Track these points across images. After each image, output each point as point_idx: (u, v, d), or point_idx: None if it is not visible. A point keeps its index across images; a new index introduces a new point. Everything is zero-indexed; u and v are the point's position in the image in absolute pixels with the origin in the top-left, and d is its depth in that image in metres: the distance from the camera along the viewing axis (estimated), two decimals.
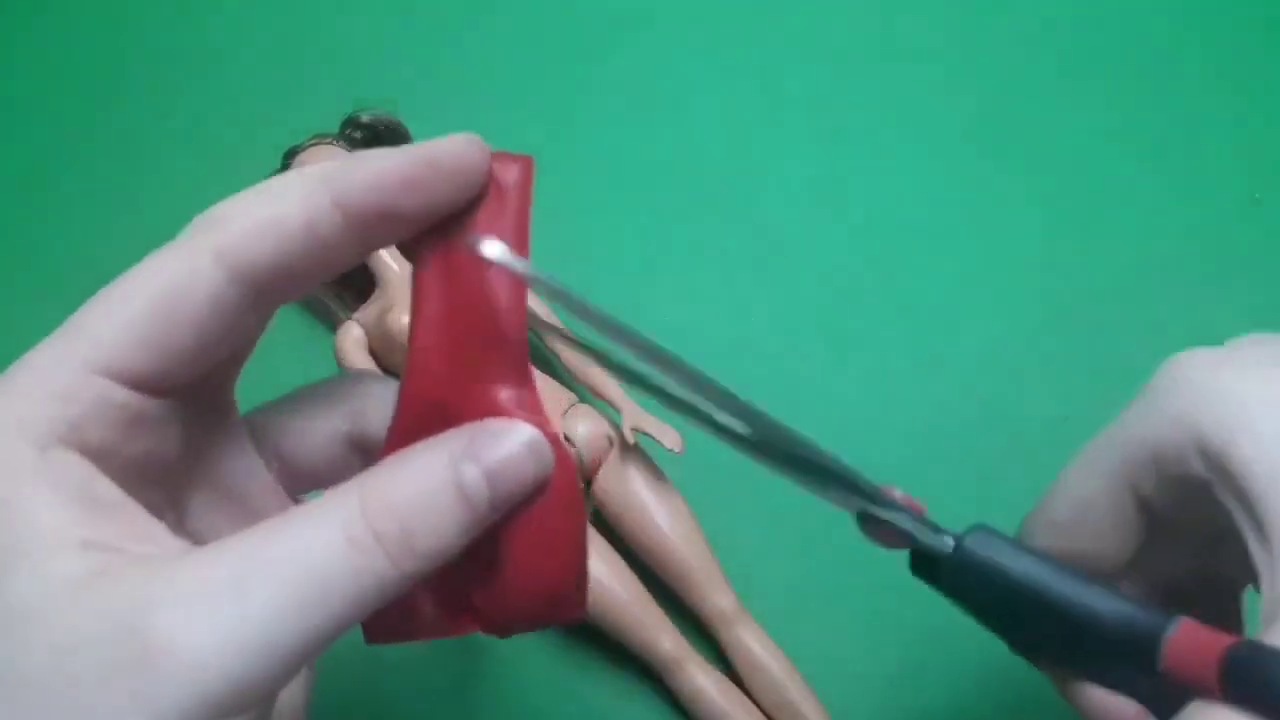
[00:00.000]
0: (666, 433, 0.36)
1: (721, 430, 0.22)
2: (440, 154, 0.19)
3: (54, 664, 0.15)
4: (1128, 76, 0.49)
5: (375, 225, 0.18)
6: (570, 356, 0.39)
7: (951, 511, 0.39)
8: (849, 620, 0.38)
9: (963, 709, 0.36)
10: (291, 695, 0.21)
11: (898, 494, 0.23)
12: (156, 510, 0.18)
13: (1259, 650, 0.18)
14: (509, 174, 0.20)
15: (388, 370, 0.38)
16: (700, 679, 0.35)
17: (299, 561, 0.16)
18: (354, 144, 0.42)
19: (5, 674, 0.15)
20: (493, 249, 0.17)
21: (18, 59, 0.50)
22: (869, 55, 0.50)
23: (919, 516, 0.23)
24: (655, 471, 0.37)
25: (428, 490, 0.17)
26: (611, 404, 0.37)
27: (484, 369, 0.20)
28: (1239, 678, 0.18)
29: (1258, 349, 0.20)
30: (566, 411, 0.37)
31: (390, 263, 0.40)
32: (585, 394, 0.39)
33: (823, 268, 0.45)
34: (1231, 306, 0.43)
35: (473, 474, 0.17)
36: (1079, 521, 0.22)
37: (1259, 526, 0.19)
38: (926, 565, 0.24)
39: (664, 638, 0.35)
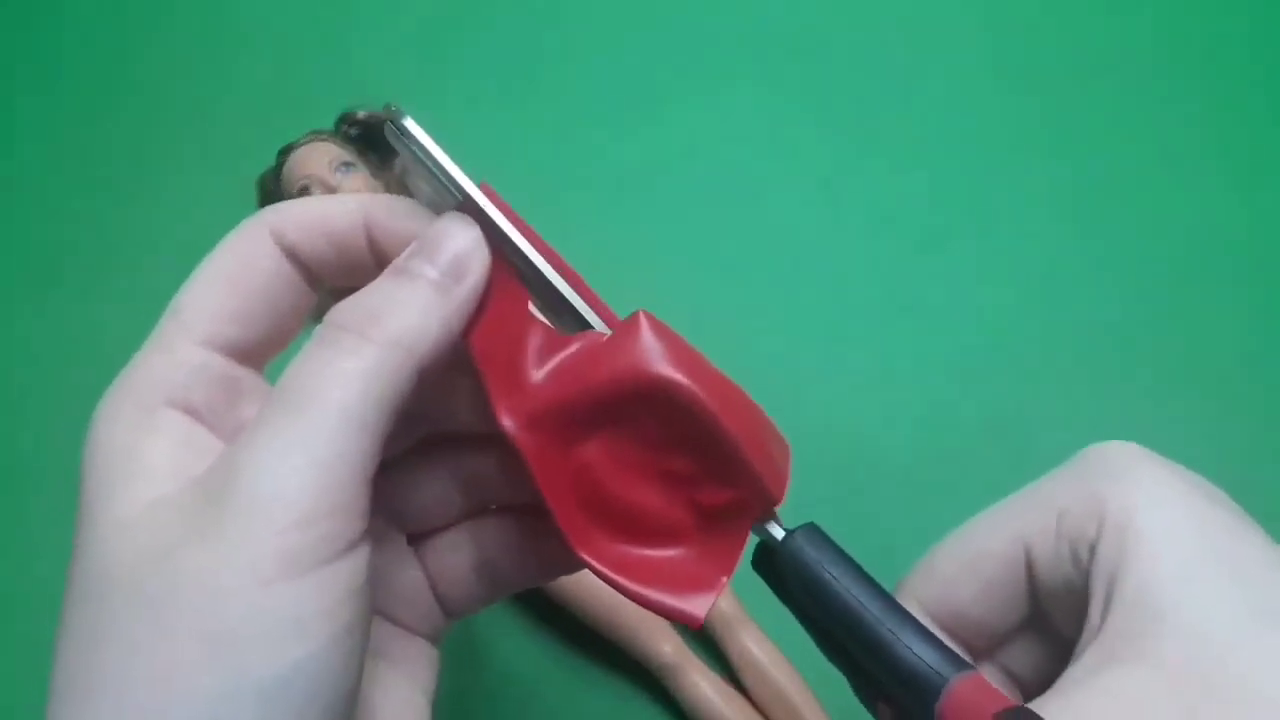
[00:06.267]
0: None
1: None
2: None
3: (159, 550, 0.17)
4: (1131, 76, 0.49)
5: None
6: None
7: (949, 513, 0.39)
8: None
9: None
10: (414, 713, 0.22)
11: None
12: None
13: (1026, 717, 0.18)
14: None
15: None
16: (701, 683, 0.34)
17: (311, 393, 0.18)
18: (349, 140, 0.41)
19: (122, 569, 0.17)
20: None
21: (19, 59, 0.50)
22: (870, 56, 0.49)
23: None
24: None
25: (381, 284, 0.20)
26: None
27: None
28: None
29: (1180, 469, 0.22)
30: None
31: None
32: None
33: (823, 268, 0.44)
34: (1234, 310, 0.43)
35: (417, 262, 0.20)
36: (967, 574, 0.23)
37: (1107, 603, 0.20)
38: (766, 560, 0.23)
39: (665, 642, 0.35)
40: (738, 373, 0.44)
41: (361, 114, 0.42)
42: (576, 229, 0.45)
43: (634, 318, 0.21)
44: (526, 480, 0.20)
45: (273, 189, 0.42)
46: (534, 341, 0.21)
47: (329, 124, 0.42)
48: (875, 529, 0.39)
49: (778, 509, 0.22)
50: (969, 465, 0.40)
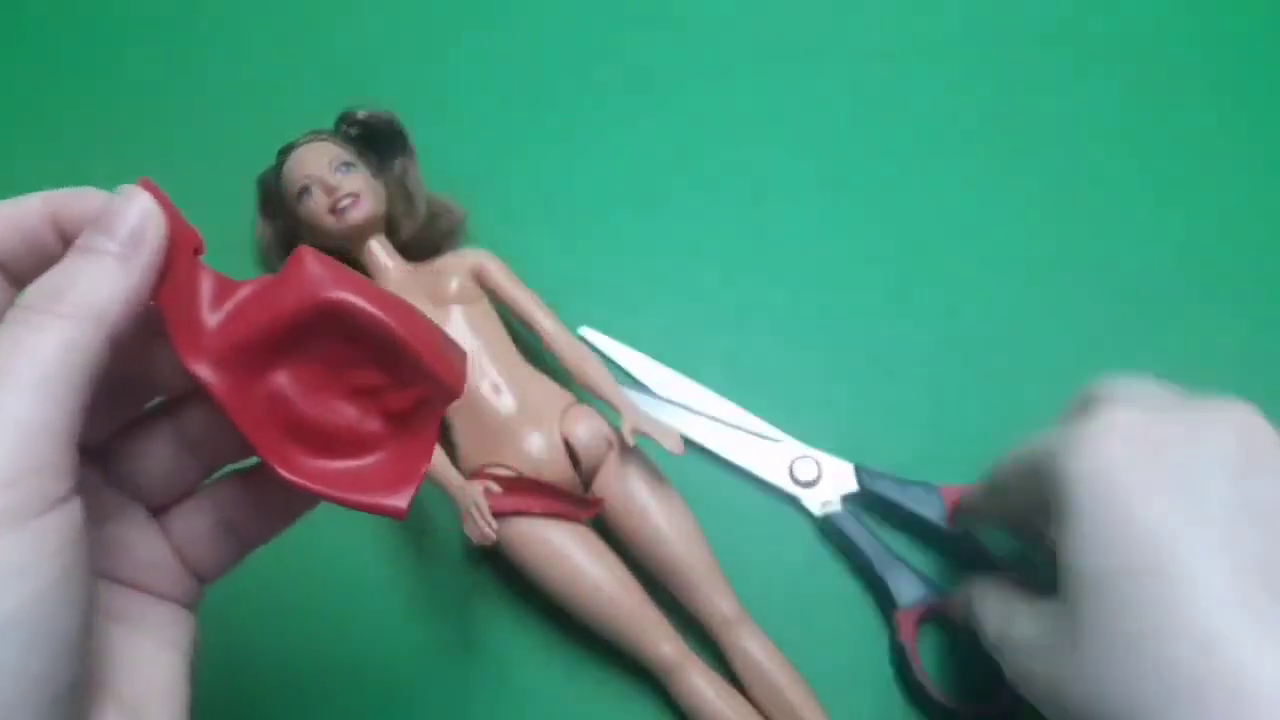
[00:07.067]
0: (666, 434, 0.36)
1: None
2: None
3: None
4: (1129, 75, 0.49)
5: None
6: (569, 357, 0.38)
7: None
8: (849, 623, 0.37)
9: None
10: (169, 672, 0.23)
11: None
12: None
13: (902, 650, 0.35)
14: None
15: None
16: (700, 683, 0.34)
17: (3, 371, 0.19)
18: (349, 140, 0.41)
19: None
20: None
21: (14, 59, 0.50)
22: (871, 53, 0.49)
23: None
24: (655, 473, 0.37)
25: (65, 263, 0.21)
26: (610, 405, 0.37)
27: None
28: None
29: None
30: (565, 412, 0.37)
31: (383, 258, 0.40)
32: (584, 395, 0.38)
33: (826, 268, 0.44)
34: (1235, 311, 0.43)
35: (97, 239, 0.21)
36: (1001, 486, 0.32)
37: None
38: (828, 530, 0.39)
39: (664, 641, 0.35)
40: (737, 372, 0.44)
41: (361, 114, 0.42)
42: (575, 227, 0.45)
43: (297, 253, 0.22)
44: (228, 421, 0.22)
45: (273, 189, 0.42)
46: (207, 289, 0.23)
47: (329, 124, 0.42)
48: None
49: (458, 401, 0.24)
50: (969, 465, 0.39)
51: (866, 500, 0.38)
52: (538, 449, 0.36)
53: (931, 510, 0.37)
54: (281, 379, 0.23)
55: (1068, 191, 0.46)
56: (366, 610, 0.37)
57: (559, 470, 0.36)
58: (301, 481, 0.23)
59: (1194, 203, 0.46)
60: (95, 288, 0.20)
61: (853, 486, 0.38)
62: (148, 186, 0.22)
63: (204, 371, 0.22)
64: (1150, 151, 0.47)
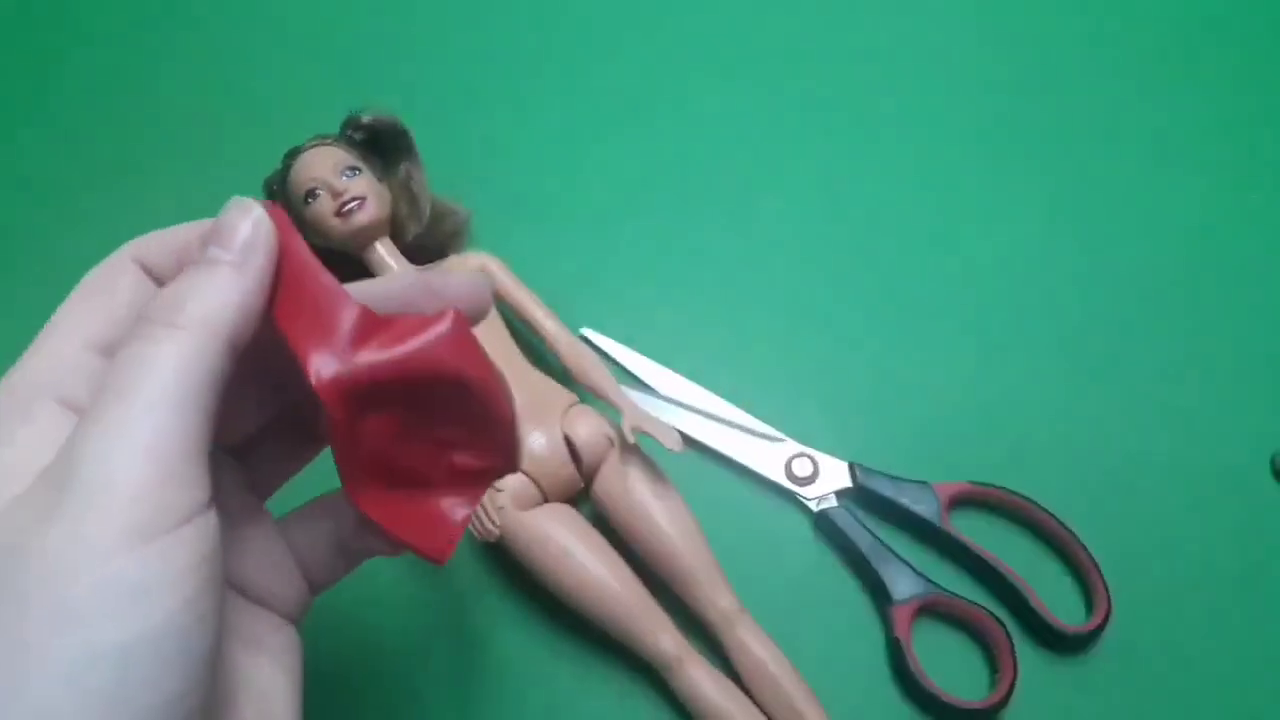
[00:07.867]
0: (666, 433, 0.36)
1: None
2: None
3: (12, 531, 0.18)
4: (1129, 77, 0.49)
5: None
6: (570, 357, 0.39)
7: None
8: (845, 618, 0.38)
9: None
10: (286, 697, 0.24)
11: None
12: None
13: None
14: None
15: None
16: (700, 678, 0.35)
17: (128, 381, 0.20)
18: (354, 144, 0.42)
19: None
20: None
21: (23, 64, 0.50)
22: (869, 57, 0.50)
23: None
24: (655, 472, 0.37)
25: (182, 276, 0.22)
26: (611, 404, 0.37)
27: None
28: None
29: None
30: (566, 411, 0.38)
31: (388, 261, 0.40)
32: (585, 395, 0.39)
33: (823, 269, 0.45)
34: (1233, 311, 0.44)
35: (212, 249, 0.22)
36: None
37: None
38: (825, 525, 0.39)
39: (664, 637, 0.35)
40: (735, 371, 0.44)
41: (366, 117, 0.42)
42: (576, 228, 0.45)
43: (448, 315, 0.23)
44: (326, 435, 0.23)
45: (279, 193, 0.42)
46: (349, 319, 0.23)
47: (334, 128, 0.42)
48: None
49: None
50: (964, 463, 0.40)
51: (862, 497, 0.39)
52: (540, 447, 0.37)
53: (926, 507, 0.38)
54: (384, 416, 0.23)
55: (1063, 194, 0.46)
56: (366, 607, 0.38)
57: (561, 468, 0.37)
58: (366, 510, 0.24)
59: (1194, 206, 0.46)
60: (210, 296, 0.21)
61: (848, 484, 0.39)
62: (271, 209, 0.22)
63: (327, 393, 0.22)
64: (1146, 155, 0.47)
